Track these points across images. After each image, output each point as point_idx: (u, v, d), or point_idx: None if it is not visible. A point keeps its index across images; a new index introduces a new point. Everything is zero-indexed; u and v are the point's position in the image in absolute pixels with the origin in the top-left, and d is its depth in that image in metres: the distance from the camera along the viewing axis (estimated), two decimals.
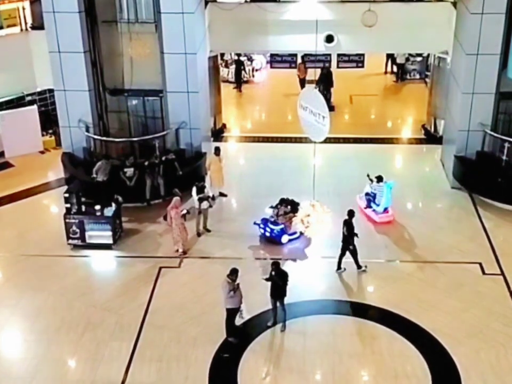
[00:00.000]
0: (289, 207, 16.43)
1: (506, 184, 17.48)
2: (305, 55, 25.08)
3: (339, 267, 15.19)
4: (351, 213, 15.17)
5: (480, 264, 15.38)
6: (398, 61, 27.95)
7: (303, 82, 25.72)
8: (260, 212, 17.47)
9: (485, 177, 17.86)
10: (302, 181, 18.49)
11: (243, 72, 27.82)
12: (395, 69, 28.45)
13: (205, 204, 16.68)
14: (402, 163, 21.45)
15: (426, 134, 22.70)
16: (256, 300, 13.79)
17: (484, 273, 15.12)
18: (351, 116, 24.57)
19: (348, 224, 14.97)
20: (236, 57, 27.98)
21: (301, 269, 15.50)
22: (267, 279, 13.23)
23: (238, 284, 12.71)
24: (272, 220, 16.30)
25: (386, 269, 15.38)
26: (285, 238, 16.19)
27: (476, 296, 14.31)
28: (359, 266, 15.15)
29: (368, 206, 17.72)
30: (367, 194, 17.87)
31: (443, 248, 16.08)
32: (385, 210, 17.37)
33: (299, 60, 25.01)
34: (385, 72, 28.75)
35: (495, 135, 17.95)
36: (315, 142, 16.40)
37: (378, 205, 17.44)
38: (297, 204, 16.19)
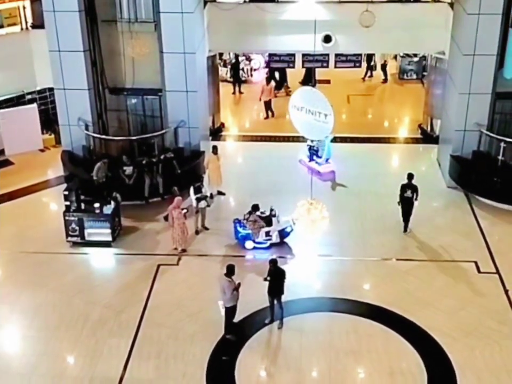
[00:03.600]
0: (261, 222, 16.03)
1: (502, 184, 17.48)
2: (271, 69, 25.11)
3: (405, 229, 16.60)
4: (411, 176, 16.47)
5: (476, 262, 15.39)
6: (379, 62, 27.68)
7: (268, 106, 24.07)
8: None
9: (481, 176, 17.84)
10: (299, 180, 18.56)
11: (241, 72, 27.78)
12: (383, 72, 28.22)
13: (202, 203, 16.66)
14: (398, 162, 21.44)
15: (423, 134, 22.69)
16: (254, 297, 13.78)
17: (479, 271, 15.12)
18: (348, 116, 24.56)
19: (415, 188, 16.40)
20: (234, 59, 27.92)
21: (298, 267, 15.50)
22: (266, 279, 13.22)
23: (239, 283, 12.73)
24: (243, 223, 16.13)
25: (383, 267, 15.38)
26: (249, 244, 15.93)
27: (471, 295, 14.32)
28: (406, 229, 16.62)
29: (311, 160, 19.85)
30: (310, 148, 19.69)
31: (439, 247, 16.08)
32: (327, 161, 19.61)
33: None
34: (364, 79, 28.04)
35: (491, 135, 17.94)
36: (312, 141, 16.54)
37: (320, 157, 19.69)
38: (271, 217, 16.04)
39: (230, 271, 12.72)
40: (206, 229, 16.81)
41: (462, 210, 17.81)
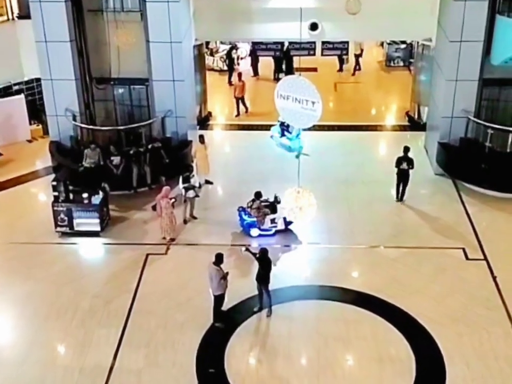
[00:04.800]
0: (266, 209, 16.08)
1: (489, 170, 17.50)
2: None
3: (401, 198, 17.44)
4: (407, 149, 17.20)
5: (464, 249, 15.44)
6: (355, 52, 27.28)
7: (242, 103, 23.54)
8: (245, 199, 17.47)
9: (468, 163, 17.87)
10: (287, 168, 18.49)
11: (228, 61, 27.69)
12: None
13: (191, 193, 16.61)
14: (386, 150, 21.45)
15: (410, 121, 22.71)
16: (243, 286, 13.80)
17: (467, 258, 15.17)
18: (336, 104, 24.54)
19: (410, 161, 17.20)
20: (228, 47, 27.77)
21: (287, 255, 15.52)
22: (253, 255, 13.21)
23: (227, 272, 12.71)
24: (247, 210, 16.14)
25: (371, 255, 15.41)
26: (254, 232, 15.95)
27: (459, 281, 14.37)
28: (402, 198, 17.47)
29: (283, 135, 20.50)
30: (281, 124, 20.25)
31: (427, 234, 16.13)
32: (298, 136, 19.99)
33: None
34: (340, 70, 27.73)
35: (478, 121, 17.94)
36: (300, 129, 16.52)
37: (291, 133, 20.13)
38: (276, 204, 16.07)
39: (219, 259, 12.70)
40: (194, 218, 16.78)
41: (449, 197, 17.86)
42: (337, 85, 26.54)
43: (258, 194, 16.06)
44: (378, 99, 25.01)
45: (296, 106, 15.28)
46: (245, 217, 16.03)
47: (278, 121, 20.77)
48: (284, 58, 25.58)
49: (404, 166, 17.32)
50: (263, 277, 13.15)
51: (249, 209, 16.03)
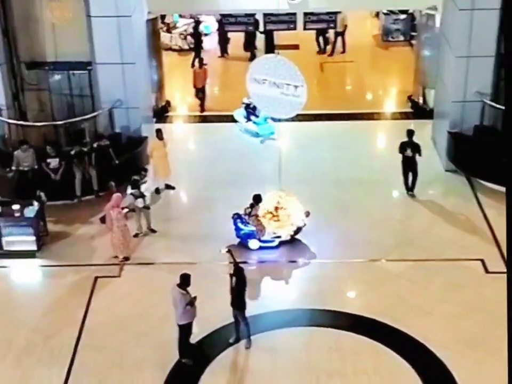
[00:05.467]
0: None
1: (510, 165, 17.92)
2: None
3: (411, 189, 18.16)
4: (411, 132, 17.82)
5: (482, 260, 15.81)
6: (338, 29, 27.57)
7: (202, 93, 23.67)
8: (215, 207, 17.72)
9: (485, 156, 18.24)
10: (265, 167, 18.81)
11: (189, 38, 27.92)
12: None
13: (139, 202, 16.63)
14: (385, 143, 21.88)
15: (414, 107, 23.11)
16: (215, 312, 13.98)
17: (486, 271, 15.54)
18: (323, 88, 24.87)
19: (416, 146, 17.80)
20: (191, 22, 28.01)
21: (268, 274, 15.79)
22: (233, 261, 13.47)
23: (195, 297, 12.86)
24: (244, 218, 16.36)
25: (370, 270, 15.72)
26: (253, 244, 16.21)
27: (477, 299, 14.70)
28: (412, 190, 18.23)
29: (248, 119, 21.36)
30: (246, 106, 20.87)
31: (437, 243, 16.47)
32: (265, 121, 20.90)
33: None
34: (319, 52, 27.99)
35: (496, 105, 18.35)
36: (280, 120, 16.79)
37: (258, 117, 21.08)
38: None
39: (184, 281, 12.85)
40: (153, 231, 16.95)
41: (463, 198, 18.26)
42: (323, 65, 26.90)
43: (258, 198, 16.14)
44: (374, 81, 25.41)
45: (275, 92, 15.59)
46: (242, 226, 16.24)
47: (243, 103, 21.30)
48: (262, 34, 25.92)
49: (408, 152, 17.93)
50: (237, 299, 13.31)
51: (247, 217, 16.22)
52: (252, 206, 16.16)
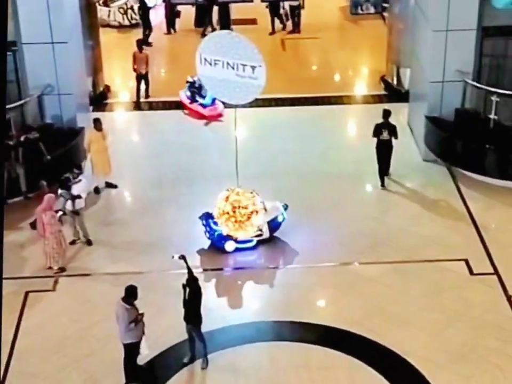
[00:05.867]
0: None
1: (496, 153, 18.18)
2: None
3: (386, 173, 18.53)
4: (387, 113, 18.21)
5: (466, 261, 15.98)
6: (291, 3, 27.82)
7: (145, 81, 23.33)
8: (163, 208, 17.66)
9: (468, 144, 18.48)
10: (221, 161, 18.81)
11: (130, 12, 27.82)
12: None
13: (68, 205, 16.38)
14: (356, 130, 22.05)
15: (388, 89, 23.35)
16: (166, 328, 13.98)
17: (471, 273, 15.71)
18: (285, 68, 24.90)
19: (393, 128, 18.13)
20: None
21: (227, 283, 15.85)
22: (187, 267, 13.41)
23: (141, 314, 12.80)
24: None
25: (342, 275, 15.79)
26: (229, 245, 16.24)
27: (462, 305, 14.85)
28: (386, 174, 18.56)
29: (193, 101, 21.68)
30: (191, 85, 21.21)
31: (416, 243, 16.62)
32: (213, 102, 21.26)
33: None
34: (272, 33, 27.93)
35: (479, 86, 18.57)
36: (236, 106, 16.75)
37: (204, 97, 21.43)
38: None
39: (130, 294, 12.76)
40: (89, 243, 16.64)
41: (445, 191, 18.46)
42: (285, 42, 26.94)
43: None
44: (342, 60, 25.56)
45: (229, 74, 15.58)
46: (215, 226, 16.21)
47: (187, 82, 21.53)
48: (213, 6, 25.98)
49: (385, 135, 18.17)
50: (191, 313, 13.29)
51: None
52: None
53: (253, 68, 15.11)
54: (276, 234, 16.58)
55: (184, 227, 16.95)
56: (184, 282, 13.30)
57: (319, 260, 16.14)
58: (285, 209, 16.50)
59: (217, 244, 16.32)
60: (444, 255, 16.21)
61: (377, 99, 22.99)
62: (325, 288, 15.57)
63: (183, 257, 13.58)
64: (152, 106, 22.88)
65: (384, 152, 18.28)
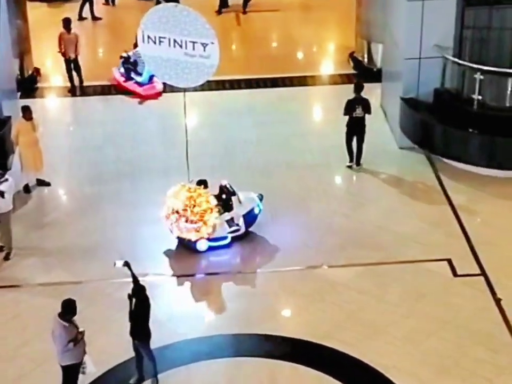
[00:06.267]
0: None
1: (480, 138, 18.29)
2: None
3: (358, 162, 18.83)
4: (359, 86, 18.49)
5: (450, 261, 16.04)
6: None
7: (75, 67, 23.17)
8: (104, 208, 17.61)
9: (449, 128, 18.56)
10: (169, 153, 18.79)
11: None
12: None
13: None
14: (323, 114, 22.11)
15: (357, 67, 23.45)
16: (110, 345, 13.86)
17: (455, 274, 15.77)
18: (241, 46, 24.88)
19: (366, 103, 18.36)
20: None
21: (178, 290, 15.76)
22: (132, 275, 13.29)
23: (81, 332, 12.68)
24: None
25: (309, 280, 15.75)
26: (201, 244, 16.27)
27: (446, 311, 14.86)
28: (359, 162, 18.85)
29: (129, 79, 22.08)
30: (125, 61, 21.56)
31: (393, 242, 16.67)
32: (151, 80, 21.68)
33: None
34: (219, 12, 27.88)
35: (461, 62, 18.63)
36: (186, 90, 16.68)
37: (141, 75, 21.78)
38: (231, 196, 16.45)
39: (67, 310, 12.58)
40: (7, 257, 16.35)
41: (424, 182, 18.57)
42: (240, 16, 26.85)
43: (202, 184, 16.19)
44: (306, 35, 25.61)
45: (177, 54, 15.49)
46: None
47: (121, 57, 21.73)
48: None
49: (359, 112, 18.42)
50: (138, 327, 13.20)
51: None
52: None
53: (204, 45, 15.03)
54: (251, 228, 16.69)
55: (128, 228, 16.88)
56: (130, 292, 13.22)
57: (283, 264, 16.12)
58: (260, 199, 16.59)
59: (186, 244, 16.33)
60: (424, 254, 16.26)
61: (346, 79, 23.02)
62: (290, 295, 15.51)
63: (126, 264, 13.46)
64: (89, 91, 22.72)
65: (358, 131, 18.46)
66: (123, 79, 22.18)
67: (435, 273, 15.79)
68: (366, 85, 21.62)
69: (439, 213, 17.55)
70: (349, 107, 18.30)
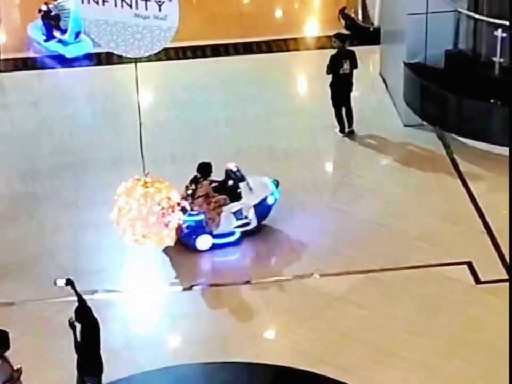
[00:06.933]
0: (221, 195, 16.53)
1: (505, 110, 18.14)
2: None
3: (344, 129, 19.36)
4: (343, 37, 19.21)
5: (470, 264, 16.09)
6: None
7: None
8: (40, 209, 17.66)
9: (465, 99, 18.57)
10: (119, 138, 18.79)
11: None
12: None
13: None
14: (308, 86, 22.13)
15: (350, 27, 23.41)
16: (55, 382, 13.85)
17: (477, 281, 15.81)
18: (206, 3, 24.88)
19: (353, 56, 18.92)
20: None
21: (136, 308, 15.78)
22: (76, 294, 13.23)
23: (19, 370, 12.64)
24: (187, 202, 16.33)
25: (296, 293, 15.78)
26: (203, 241, 16.41)
27: (467, 326, 14.89)
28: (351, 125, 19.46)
29: (51, 37, 22.14)
30: (45, 16, 21.67)
31: (399, 242, 16.70)
32: (77, 36, 22.01)
33: None
34: None
35: (478, 16, 18.63)
36: (137, 60, 16.65)
37: (65, 31, 21.96)
38: (238, 182, 16.56)
39: None
40: None
41: (435, 167, 18.59)
42: None
43: (205, 169, 16.28)
44: None
45: (125, 16, 15.42)
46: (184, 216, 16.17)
47: (39, 11, 21.73)
48: None
49: (346, 67, 18.90)
50: (87, 358, 13.17)
51: (189, 200, 16.25)
52: (195, 181, 16.30)
53: (160, 3, 14.95)
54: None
55: (71, 235, 16.89)
56: (73, 317, 13.14)
57: (266, 273, 16.21)
58: (276, 186, 16.72)
59: (186, 239, 16.43)
60: (438, 257, 16.29)
61: None
62: (273, 313, 15.48)
63: (70, 283, 13.40)
64: (14, 65, 22.65)
65: (346, 90, 18.79)
66: (43, 38, 22.17)
67: (452, 280, 15.82)
68: (360, 48, 21.94)
69: (455, 205, 17.60)
70: (335, 63, 18.58)
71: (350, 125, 19.05)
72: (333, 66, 18.53)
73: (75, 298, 13.06)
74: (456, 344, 14.57)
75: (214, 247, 16.51)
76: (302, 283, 15.99)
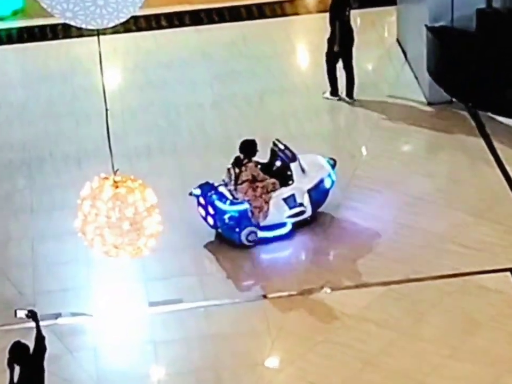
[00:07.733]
0: (270, 179, 16.77)
1: None
2: None
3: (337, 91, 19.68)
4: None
5: None
6: None
7: None
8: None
9: (503, 70, 18.67)
10: (82, 128, 18.96)
11: None
12: None
13: None
14: (309, 59, 22.32)
15: None
16: None
17: None
18: None
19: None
20: None
21: (108, 338, 15.91)
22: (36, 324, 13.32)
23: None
24: (227, 188, 16.60)
25: (305, 310, 15.92)
26: (246, 235, 16.60)
27: (510, 347, 14.94)
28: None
29: None
30: None
31: (425, 245, 16.82)
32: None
33: None
34: None
35: None
36: (99, 32, 16.82)
37: None
38: (289, 163, 16.79)
39: None
40: None
41: (469, 153, 18.75)
42: None
43: (249, 147, 16.64)
44: None
45: None
46: (224, 205, 16.44)
47: None
48: None
49: (347, 13, 19.20)
50: None
51: (232, 186, 16.50)
52: (238, 164, 16.53)
53: None
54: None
55: (27, 248, 17.01)
56: (9, 354, 13.22)
57: (265, 288, 16.40)
58: (332, 167, 16.98)
59: (227, 232, 16.69)
60: (474, 264, 16.41)
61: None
62: (277, 334, 15.62)
63: (32, 315, 13.50)
64: None
65: (347, 43, 19.20)
66: None
67: (492, 291, 15.91)
68: (373, 10, 22.19)
69: (492, 198, 17.73)
70: (337, 12, 19.04)
71: (350, 93, 19.23)
72: (336, 16, 18.81)
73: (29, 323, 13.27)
74: (499, 368, 14.63)
75: (261, 241, 16.72)
76: (310, 299, 16.14)
